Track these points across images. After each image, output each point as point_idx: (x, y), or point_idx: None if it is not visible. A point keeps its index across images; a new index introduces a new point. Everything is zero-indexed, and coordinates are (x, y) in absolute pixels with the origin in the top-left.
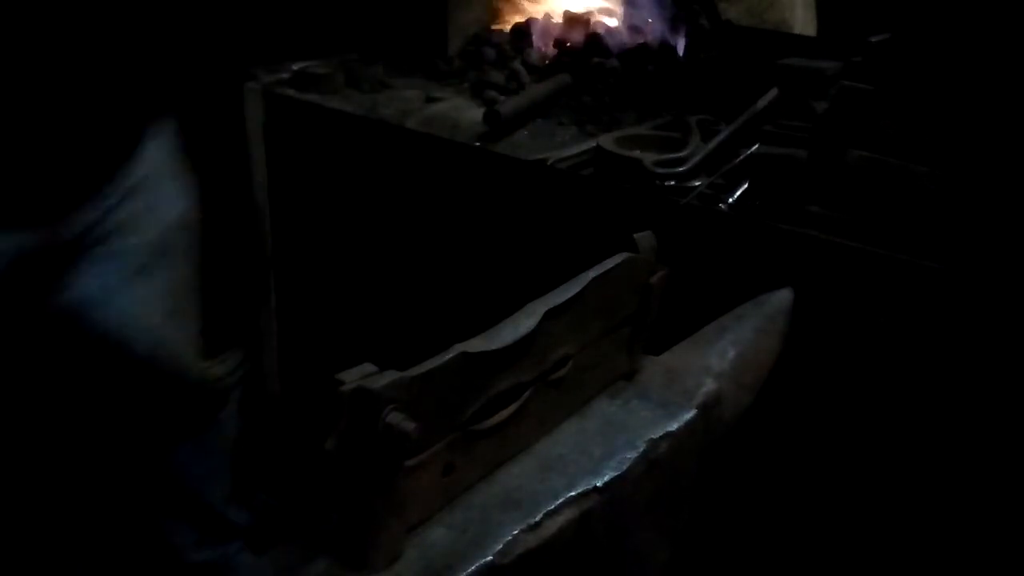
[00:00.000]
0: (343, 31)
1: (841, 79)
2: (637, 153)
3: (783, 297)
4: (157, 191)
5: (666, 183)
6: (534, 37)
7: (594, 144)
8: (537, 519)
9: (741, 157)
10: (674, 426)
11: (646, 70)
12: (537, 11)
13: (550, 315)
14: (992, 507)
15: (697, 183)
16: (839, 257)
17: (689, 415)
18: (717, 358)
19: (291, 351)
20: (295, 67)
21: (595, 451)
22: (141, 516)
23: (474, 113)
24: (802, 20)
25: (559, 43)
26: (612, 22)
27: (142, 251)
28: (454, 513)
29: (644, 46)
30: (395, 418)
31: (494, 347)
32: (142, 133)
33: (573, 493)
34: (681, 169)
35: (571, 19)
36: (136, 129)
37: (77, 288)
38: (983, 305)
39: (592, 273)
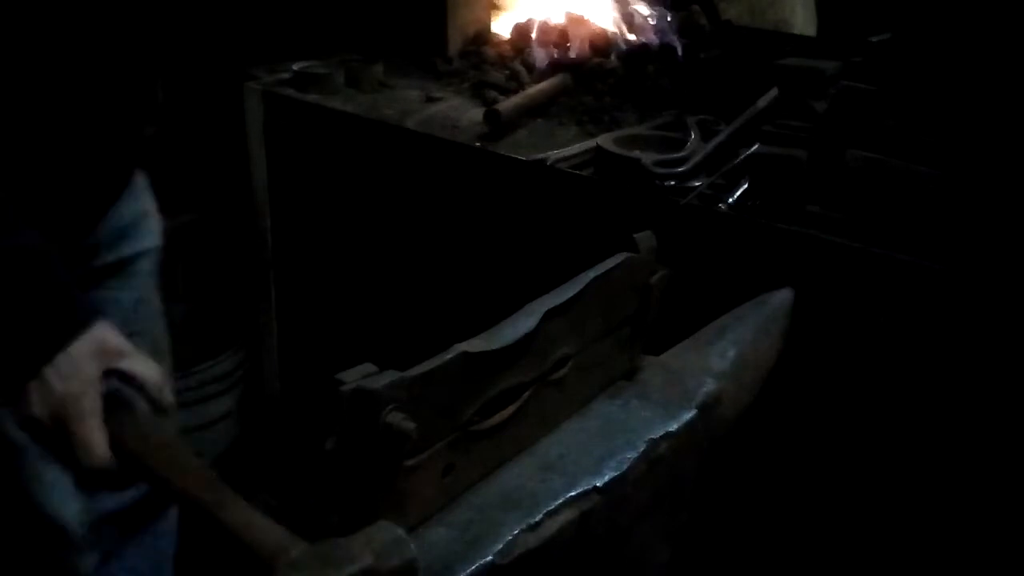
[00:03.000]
0: (343, 31)
1: (841, 79)
2: (637, 153)
3: (783, 297)
4: (145, 231)
5: (666, 183)
6: (534, 37)
7: (594, 144)
8: (537, 519)
9: (741, 157)
10: (674, 426)
11: (646, 70)
12: (537, 11)
13: (550, 315)
14: (992, 507)
15: (697, 183)
16: (839, 257)
17: (689, 415)
18: (717, 358)
19: (291, 351)
20: (295, 67)
21: (595, 451)
22: None
23: (474, 113)
24: (802, 20)
25: (559, 43)
26: (612, 22)
27: (131, 300)
28: (454, 513)
29: (644, 46)
30: (395, 418)
31: (494, 347)
32: (133, 168)
33: (573, 493)
34: (681, 169)
35: (571, 19)
36: (130, 162)
37: None
38: (984, 306)
39: (592, 273)
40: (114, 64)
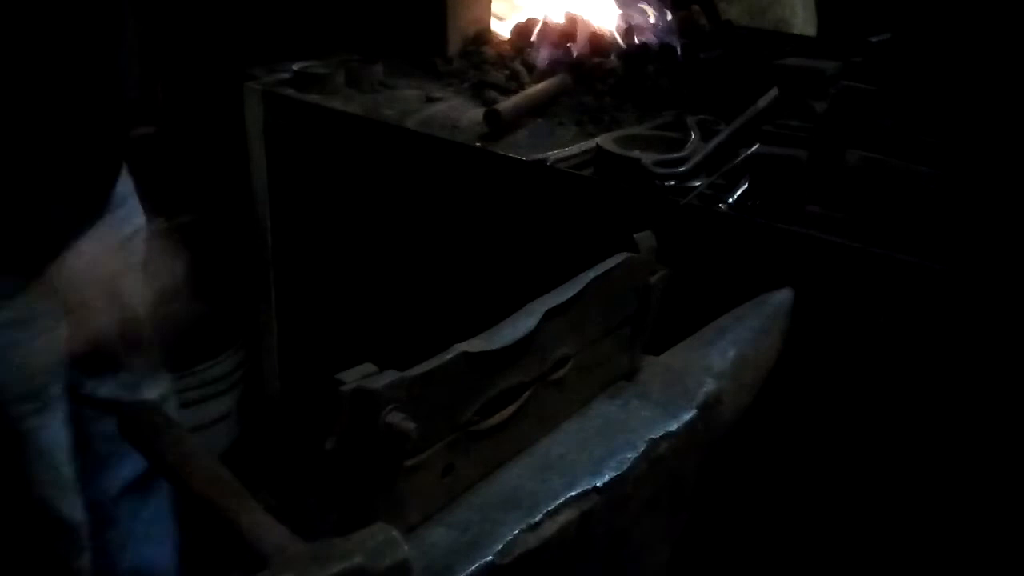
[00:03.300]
0: (343, 31)
1: (841, 79)
2: (637, 153)
3: (783, 297)
4: (133, 210)
5: (666, 183)
6: (534, 37)
7: (594, 144)
8: (537, 519)
9: (741, 157)
10: (674, 426)
11: (646, 70)
12: (537, 11)
13: (550, 315)
14: (992, 507)
15: (697, 183)
16: (839, 257)
17: (689, 415)
18: (717, 358)
19: (291, 351)
20: (295, 67)
21: (595, 451)
22: None
23: (474, 113)
24: (802, 20)
25: (559, 43)
26: (612, 22)
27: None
28: (454, 513)
29: (644, 46)
30: (395, 418)
31: (494, 347)
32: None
33: (573, 493)
34: (681, 169)
35: (571, 19)
36: (123, 147)
37: None
38: (984, 306)
39: (592, 273)
40: (106, 50)
